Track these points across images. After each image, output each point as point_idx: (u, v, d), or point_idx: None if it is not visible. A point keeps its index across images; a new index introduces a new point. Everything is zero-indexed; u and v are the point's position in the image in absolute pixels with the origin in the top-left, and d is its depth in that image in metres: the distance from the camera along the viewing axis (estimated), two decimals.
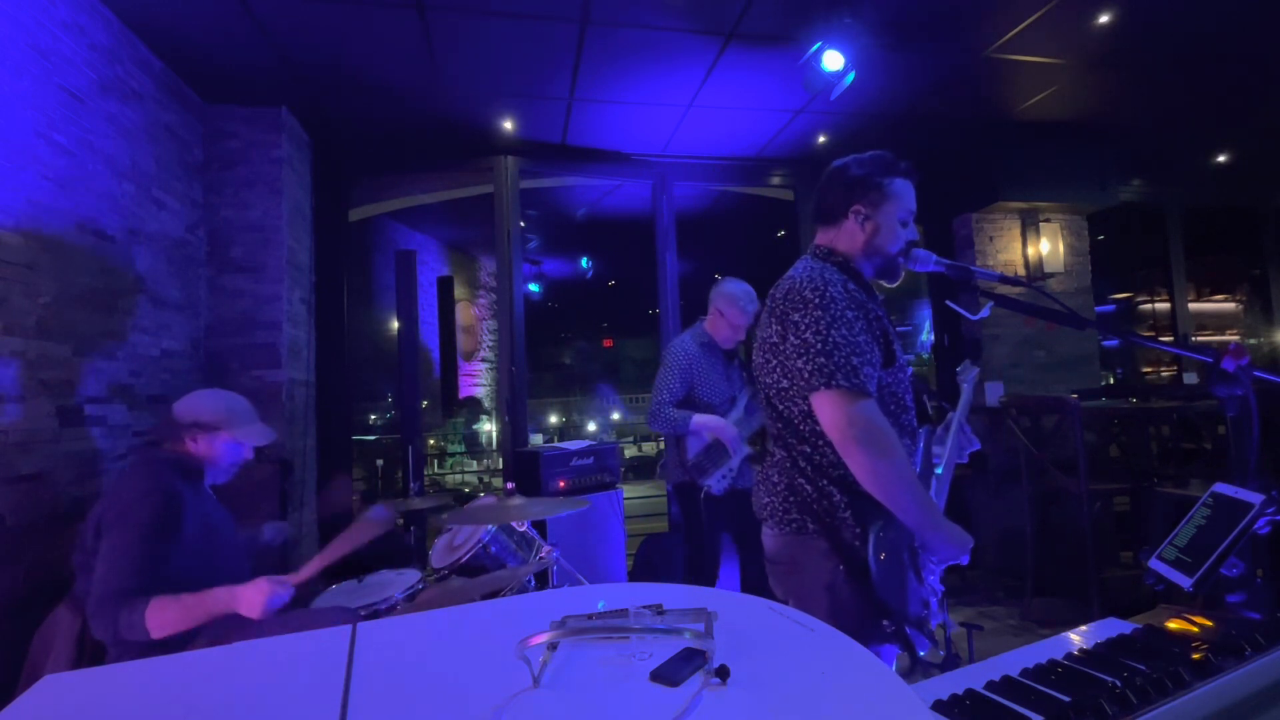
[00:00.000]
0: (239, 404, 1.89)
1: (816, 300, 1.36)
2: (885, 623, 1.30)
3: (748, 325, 2.74)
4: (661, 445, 11.08)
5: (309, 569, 1.71)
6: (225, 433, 1.82)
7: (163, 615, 1.52)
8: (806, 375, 1.34)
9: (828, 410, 1.32)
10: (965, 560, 1.37)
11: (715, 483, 2.63)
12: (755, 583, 2.70)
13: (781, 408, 1.44)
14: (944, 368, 4.67)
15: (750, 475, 2.69)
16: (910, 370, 1.54)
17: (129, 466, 1.80)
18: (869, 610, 1.31)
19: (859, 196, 1.47)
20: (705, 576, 2.78)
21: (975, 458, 4.48)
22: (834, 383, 1.30)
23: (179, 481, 1.74)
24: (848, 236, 1.49)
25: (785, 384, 1.41)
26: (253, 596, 1.57)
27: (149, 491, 1.66)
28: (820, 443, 1.39)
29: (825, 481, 1.38)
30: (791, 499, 1.42)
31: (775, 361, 1.43)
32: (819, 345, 1.33)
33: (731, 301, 2.72)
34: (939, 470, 1.59)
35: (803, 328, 1.36)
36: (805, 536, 1.39)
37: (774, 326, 1.43)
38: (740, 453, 2.64)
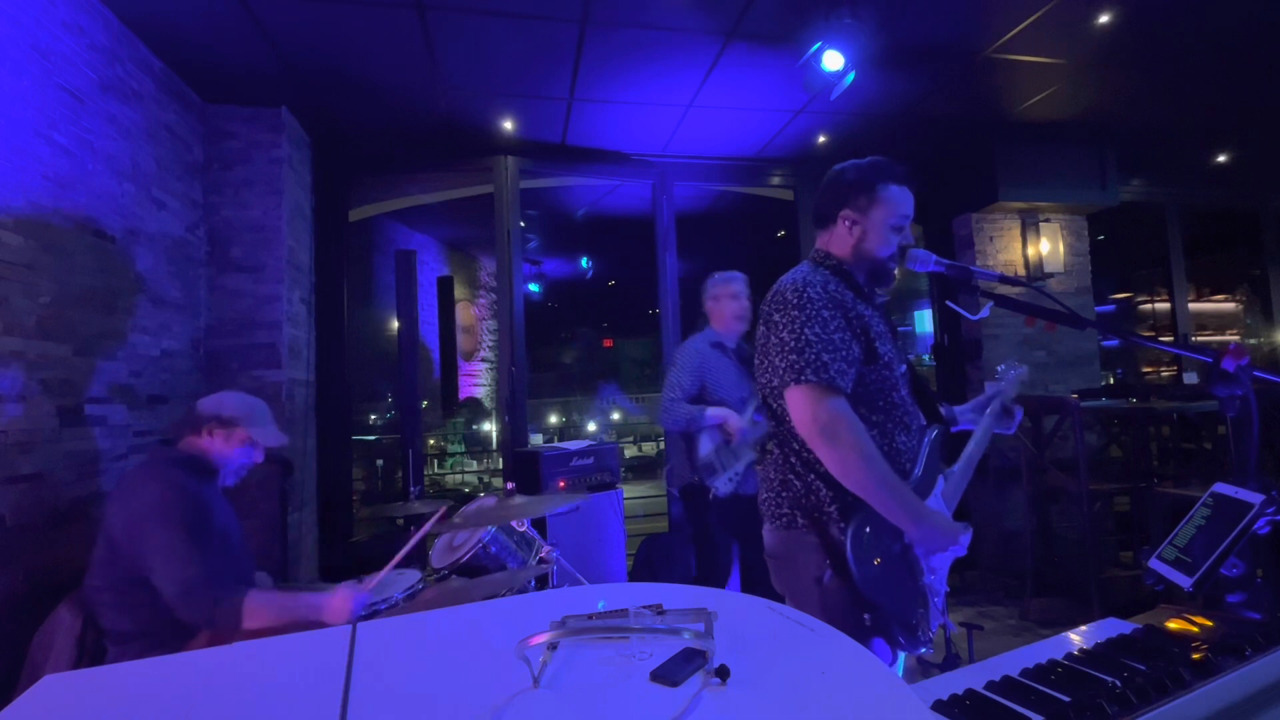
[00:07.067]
0: (260, 405, 1.94)
1: (795, 300, 1.41)
2: (865, 617, 1.32)
3: (745, 295, 2.81)
4: (661, 445, 11.07)
5: (384, 571, 1.78)
6: (243, 429, 1.85)
7: (259, 609, 1.61)
8: (781, 372, 1.39)
9: (796, 405, 1.37)
10: (963, 551, 1.38)
11: (721, 485, 2.64)
12: (757, 588, 2.70)
13: (775, 406, 1.49)
14: (944, 368, 4.67)
15: (754, 481, 2.69)
16: (904, 368, 1.55)
17: (142, 465, 1.81)
18: (855, 604, 1.33)
19: (849, 202, 1.51)
20: (717, 580, 2.78)
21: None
22: (803, 378, 1.35)
23: (192, 481, 1.76)
24: (839, 241, 1.54)
25: (776, 382, 1.45)
26: (339, 606, 1.65)
27: (176, 489, 1.69)
28: None
29: (813, 477, 1.42)
30: (784, 494, 1.47)
31: (766, 362, 1.48)
32: (792, 343, 1.38)
33: (716, 284, 2.82)
34: (956, 467, 1.58)
35: (780, 327, 1.41)
36: (796, 531, 1.43)
37: (761, 328, 1.49)
38: (746, 457, 2.64)
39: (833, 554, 1.36)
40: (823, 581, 1.37)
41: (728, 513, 2.67)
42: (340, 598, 1.66)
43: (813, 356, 1.35)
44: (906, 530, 1.36)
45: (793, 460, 1.46)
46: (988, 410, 1.73)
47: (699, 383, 2.72)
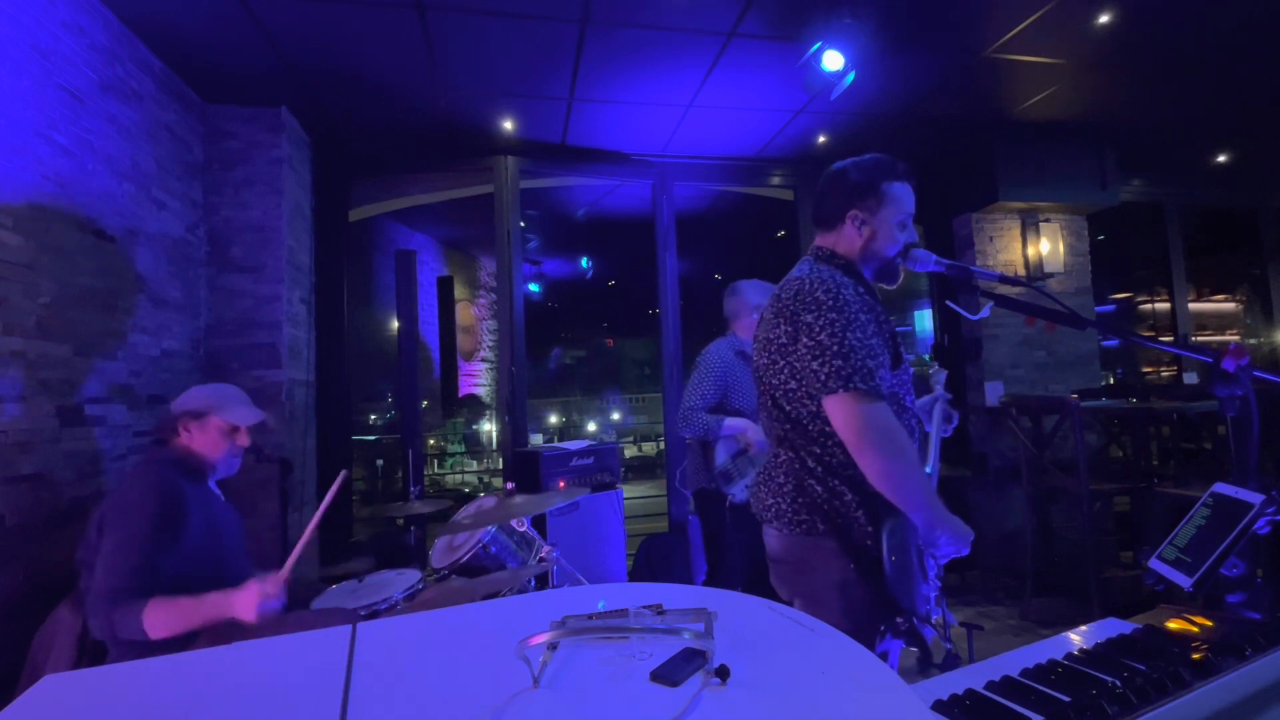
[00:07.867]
0: (227, 389, 1.91)
1: (830, 302, 1.36)
2: (899, 620, 1.31)
3: None
4: (661, 445, 11.08)
5: (290, 559, 1.67)
6: (213, 416, 1.83)
7: (160, 616, 1.52)
8: (822, 378, 1.33)
9: (843, 413, 1.32)
10: (966, 552, 1.38)
11: (738, 492, 2.63)
12: (768, 593, 2.70)
13: (789, 409, 1.44)
14: (944, 368, 4.67)
15: None
16: (911, 371, 1.55)
17: (133, 466, 1.81)
18: (881, 607, 1.31)
19: (856, 202, 1.48)
20: (727, 584, 2.78)
21: (975, 458, 4.47)
22: (851, 385, 1.30)
23: (181, 480, 1.75)
24: (846, 241, 1.51)
25: (794, 385, 1.41)
26: (246, 600, 1.56)
27: (151, 491, 1.67)
28: (830, 443, 1.39)
29: (836, 481, 1.39)
30: (800, 500, 1.42)
31: (784, 363, 1.43)
32: (835, 348, 1.33)
33: (763, 292, 2.74)
34: (929, 467, 1.60)
35: (817, 329, 1.35)
36: (816, 537, 1.39)
37: (783, 327, 1.42)
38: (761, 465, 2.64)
39: (858, 558, 1.34)
40: (846, 585, 1.34)
41: (742, 519, 2.67)
42: (247, 591, 1.57)
43: (859, 363, 1.31)
44: (935, 532, 1.34)
45: (811, 465, 1.41)
46: (935, 412, 1.73)
47: (722, 392, 2.68)
